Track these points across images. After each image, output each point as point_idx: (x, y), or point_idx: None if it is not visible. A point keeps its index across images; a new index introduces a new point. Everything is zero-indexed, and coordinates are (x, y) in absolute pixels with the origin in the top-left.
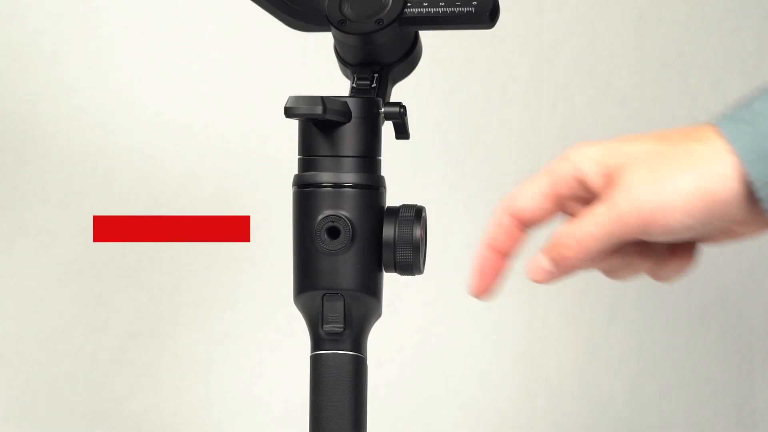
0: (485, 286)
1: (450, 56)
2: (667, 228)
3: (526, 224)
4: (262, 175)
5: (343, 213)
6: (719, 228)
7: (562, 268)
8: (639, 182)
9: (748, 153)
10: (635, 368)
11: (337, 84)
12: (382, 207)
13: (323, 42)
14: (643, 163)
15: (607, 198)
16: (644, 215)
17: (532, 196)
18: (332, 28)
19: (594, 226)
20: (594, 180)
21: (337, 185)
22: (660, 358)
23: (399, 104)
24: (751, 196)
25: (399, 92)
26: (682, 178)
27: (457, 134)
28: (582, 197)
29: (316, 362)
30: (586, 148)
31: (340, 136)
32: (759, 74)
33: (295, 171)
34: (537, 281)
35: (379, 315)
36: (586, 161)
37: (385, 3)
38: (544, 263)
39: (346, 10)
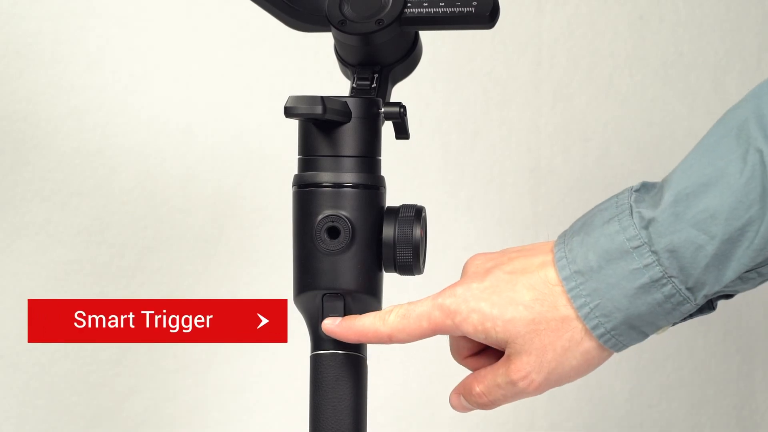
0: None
1: (450, 56)
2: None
3: None
4: (262, 175)
5: (343, 213)
6: None
7: (480, 408)
8: (536, 371)
9: (595, 321)
10: (635, 368)
11: (337, 84)
12: (382, 207)
13: (323, 42)
14: (529, 345)
15: (507, 378)
16: (546, 389)
17: (413, 337)
18: (332, 28)
19: (503, 397)
20: (478, 339)
21: (337, 185)
22: (660, 358)
23: (399, 104)
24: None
25: (399, 92)
26: (570, 368)
27: (457, 134)
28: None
29: (316, 362)
30: (468, 314)
31: (340, 136)
32: (759, 74)
33: (295, 171)
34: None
35: None
36: (470, 328)
37: (385, 3)
38: (464, 403)
39: (346, 10)
